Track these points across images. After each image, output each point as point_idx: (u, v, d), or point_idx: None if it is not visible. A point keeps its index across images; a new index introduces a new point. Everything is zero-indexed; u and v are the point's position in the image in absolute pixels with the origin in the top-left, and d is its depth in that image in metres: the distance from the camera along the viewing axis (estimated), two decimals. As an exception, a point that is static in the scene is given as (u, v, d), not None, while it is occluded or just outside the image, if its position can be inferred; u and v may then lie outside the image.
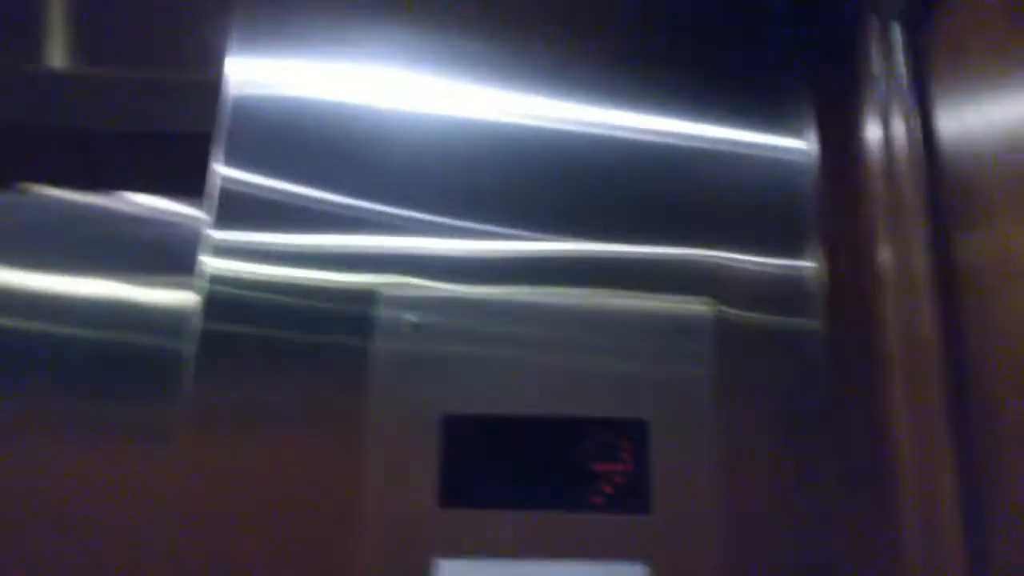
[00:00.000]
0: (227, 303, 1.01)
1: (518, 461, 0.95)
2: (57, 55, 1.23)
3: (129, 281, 1.22)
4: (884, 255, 0.93)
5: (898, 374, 0.88)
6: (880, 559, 0.89)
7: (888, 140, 0.94)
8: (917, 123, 0.90)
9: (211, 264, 1.02)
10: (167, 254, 1.23)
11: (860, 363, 0.95)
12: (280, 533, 0.93)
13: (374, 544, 0.92)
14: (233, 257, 1.02)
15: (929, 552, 0.80)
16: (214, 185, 1.05)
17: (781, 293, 1.02)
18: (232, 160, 1.06)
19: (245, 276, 1.02)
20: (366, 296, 1.01)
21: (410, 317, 1.00)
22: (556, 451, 0.96)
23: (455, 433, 0.96)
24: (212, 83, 1.10)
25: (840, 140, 1.04)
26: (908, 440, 0.85)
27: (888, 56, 0.96)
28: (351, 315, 1.00)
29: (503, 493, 0.94)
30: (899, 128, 0.93)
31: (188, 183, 1.19)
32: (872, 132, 0.98)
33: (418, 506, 0.94)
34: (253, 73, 1.10)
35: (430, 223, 1.05)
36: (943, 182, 0.86)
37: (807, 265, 1.02)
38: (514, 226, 1.05)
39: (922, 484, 0.82)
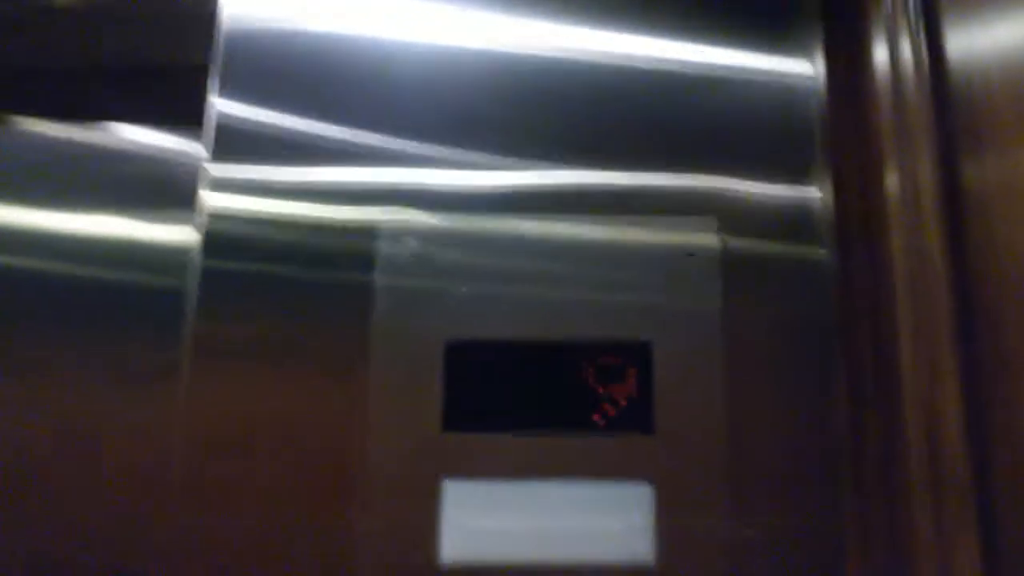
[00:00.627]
0: (227, 239, 1.00)
1: (522, 385, 0.96)
2: (50, -13, 1.21)
3: (129, 218, 1.21)
4: (891, 178, 0.92)
5: (904, 296, 0.87)
6: (886, 475, 0.90)
7: (895, 62, 0.93)
8: (924, 44, 0.89)
9: (209, 199, 1.02)
10: (166, 190, 1.22)
11: (867, 286, 0.95)
12: (287, 465, 0.94)
13: (381, 469, 0.94)
14: (232, 192, 1.02)
15: (934, 467, 0.81)
16: (211, 118, 1.04)
17: (788, 218, 1.01)
18: (229, 93, 1.05)
19: (245, 212, 1.01)
20: (367, 229, 1.01)
21: (412, 245, 1.00)
22: (559, 374, 0.97)
23: (459, 359, 0.97)
24: (207, 13, 1.07)
25: (847, 63, 1.02)
26: (913, 359, 0.85)
27: (895, -25, 0.94)
28: (352, 249, 1.00)
29: (507, 416, 0.95)
30: (906, 49, 0.91)
31: (186, 116, 1.17)
32: (879, 54, 0.96)
33: (424, 431, 0.95)
34: (249, 2, 1.08)
35: (432, 155, 1.03)
36: (951, 104, 0.85)
37: (814, 191, 1.01)
38: (516, 156, 1.04)
39: (927, 402, 0.83)
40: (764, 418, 0.96)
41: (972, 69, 0.81)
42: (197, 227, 1.01)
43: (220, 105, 1.04)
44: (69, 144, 1.25)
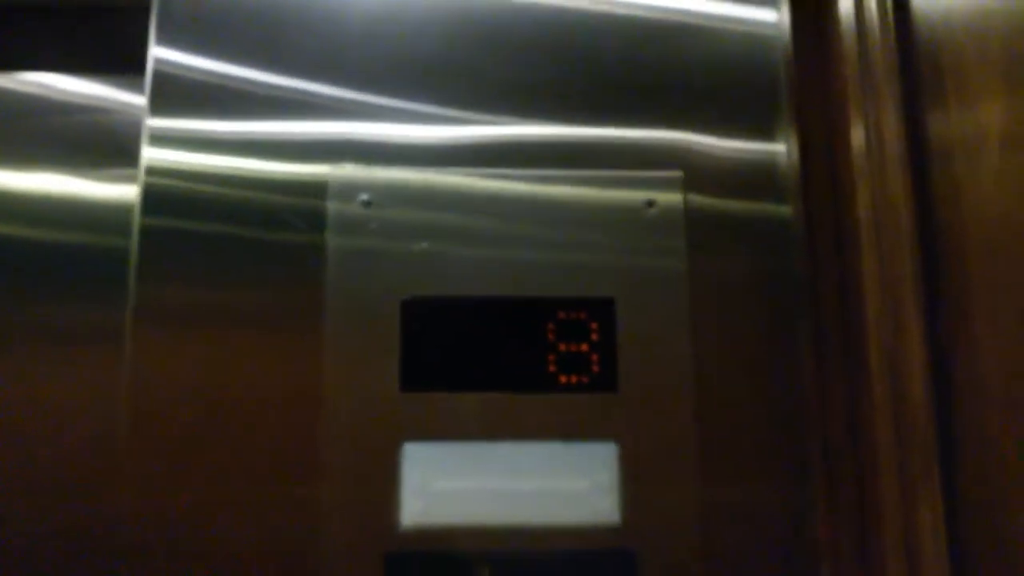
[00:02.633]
0: (168, 196, 0.96)
1: (482, 343, 0.95)
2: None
3: (69, 175, 1.15)
4: (856, 130, 0.91)
5: (869, 248, 0.87)
6: (851, 429, 0.90)
7: (860, 11, 0.92)
8: (890, -7, 0.88)
9: (149, 154, 0.97)
10: (108, 144, 1.16)
11: (832, 239, 0.95)
12: (239, 432, 0.91)
13: (340, 433, 0.92)
14: (172, 146, 0.97)
15: (898, 420, 0.82)
16: (150, 68, 0.98)
17: (752, 172, 1.00)
18: (167, 39, 1.00)
19: (186, 167, 0.97)
20: (318, 185, 0.97)
21: (363, 197, 0.97)
22: (520, 331, 0.95)
23: (416, 316, 0.95)
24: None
25: (813, 12, 1.00)
26: (879, 312, 0.85)
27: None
28: (302, 206, 0.97)
29: (467, 375, 0.94)
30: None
31: (125, 63, 1.11)
32: (844, 4, 0.95)
33: (382, 392, 0.93)
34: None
35: (385, 107, 1.00)
36: (916, 55, 0.84)
37: (779, 144, 1.01)
38: (474, 108, 1.01)
39: (892, 354, 0.83)
40: (729, 375, 0.95)
41: (937, 20, 0.81)
42: (139, 184, 0.96)
43: (158, 52, 0.99)
44: (3, 94, 1.18)
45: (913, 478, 0.79)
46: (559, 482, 0.92)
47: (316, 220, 0.96)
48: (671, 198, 0.99)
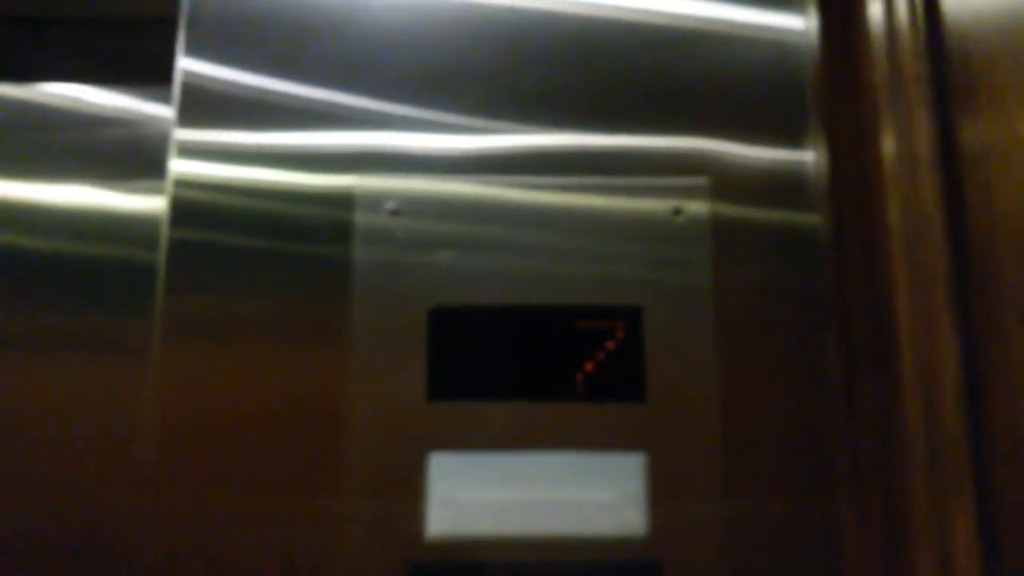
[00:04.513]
0: (196, 208, 0.97)
1: (508, 351, 0.94)
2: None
3: (98, 187, 1.16)
4: (887, 137, 0.90)
5: (901, 257, 0.86)
6: (883, 436, 0.89)
7: (890, 17, 0.91)
8: (920, -3, 0.87)
9: (177, 166, 0.97)
10: (136, 156, 1.17)
11: (861, 245, 0.94)
12: (267, 441, 0.91)
13: (365, 443, 0.92)
14: (200, 158, 0.98)
15: (931, 431, 0.80)
16: (178, 79, 0.99)
17: (780, 180, 0.99)
18: (195, 51, 1.00)
19: (214, 179, 0.97)
20: (344, 195, 0.97)
21: (390, 206, 0.97)
22: (547, 340, 0.94)
23: (443, 325, 0.94)
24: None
25: (841, 18, 0.99)
26: (911, 322, 0.84)
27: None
28: (329, 216, 0.97)
29: (494, 384, 0.93)
30: (901, 4, 0.89)
31: (153, 75, 1.12)
32: (874, 9, 0.94)
33: (408, 401, 0.93)
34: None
35: (411, 117, 1.00)
36: (947, 60, 0.83)
37: (807, 151, 1.00)
38: (501, 117, 1.00)
39: (925, 364, 0.82)
40: (757, 384, 0.94)
41: (968, 24, 0.80)
42: (167, 196, 0.97)
43: (186, 65, 1.00)
44: (32, 107, 1.19)
45: (946, 490, 0.77)
46: (586, 492, 0.91)
47: (343, 231, 0.96)
48: (698, 205, 0.98)
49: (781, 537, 0.91)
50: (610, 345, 0.94)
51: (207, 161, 0.98)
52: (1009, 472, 0.71)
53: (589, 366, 0.93)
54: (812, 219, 0.98)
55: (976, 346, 0.76)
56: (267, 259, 0.95)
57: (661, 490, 0.91)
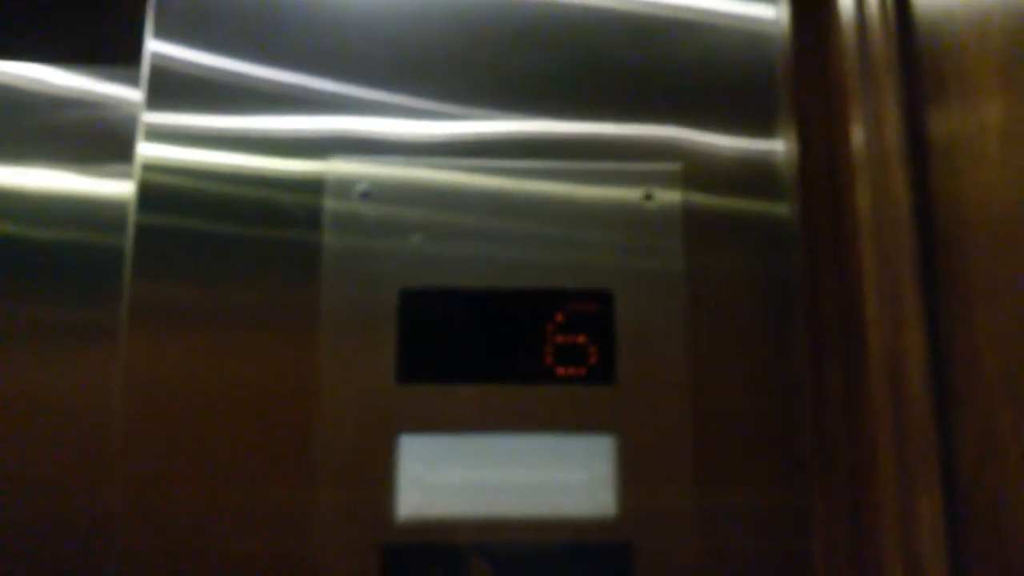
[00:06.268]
0: (164, 192, 0.95)
1: (479, 334, 0.94)
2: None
3: (64, 171, 1.14)
4: (856, 127, 0.91)
5: (869, 242, 0.87)
6: (851, 421, 0.90)
7: (861, 7, 0.91)
8: (892, -11, 0.88)
9: (145, 150, 0.96)
10: (103, 139, 1.15)
11: (831, 234, 0.95)
12: (236, 427, 0.91)
13: (336, 425, 0.92)
14: (168, 142, 0.97)
15: (898, 411, 0.82)
16: (146, 61, 0.98)
17: (751, 168, 1.00)
18: (164, 32, 0.99)
19: (182, 162, 0.96)
20: (314, 180, 0.97)
21: (360, 188, 0.97)
22: (518, 323, 0.95)
23: (413, 308, 0.94)
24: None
25: (812, 8, 1.00)
26: (879, 309, 0.85)
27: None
28: (299, 201, 0.96)
29: (464, 367, 0.94)
30: (873, -6, 0.90)
31: (120, 56, 1.10)
32: (845, 0, 0.95)
33: (378, 384, 0.93)
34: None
35: (381, 102, 0.99)
36: (917, 52, 0.84)
37: (778, 141, 1.00)
38: (472, 103, 1.00)
39: (892, 350, 0.83)
40: (727, 369, 0.95)
41: (938, 16, 0.80)
42: (135, 180, 0.95)
43: (154, 46, 0.98)
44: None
45: (913, 478, 0.79)
46: (556, 474, 0.92)
47: (312, 215, 0.96)
48: (669, 191, 0.98)
49: (750, 519, 0.92)
50: (581, 329, 0.94)
51: (176, 145, 0.96)
52: (976, 462, 0.72)
53: (560, 349, 0.94)
54: (782, 208, 0.99)
55: (943, 333, 0.78)
56: (236, 244, 0.95)
57: (631, 472, 0.92)
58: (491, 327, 0.94)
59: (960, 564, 0.74)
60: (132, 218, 0.94)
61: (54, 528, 1.04)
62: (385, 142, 0.99)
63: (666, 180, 0.99)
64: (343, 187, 0.96)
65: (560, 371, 0.93)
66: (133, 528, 0.88)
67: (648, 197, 0.98)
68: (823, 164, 0.96)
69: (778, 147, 1.00)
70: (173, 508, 0.89)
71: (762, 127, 1.01)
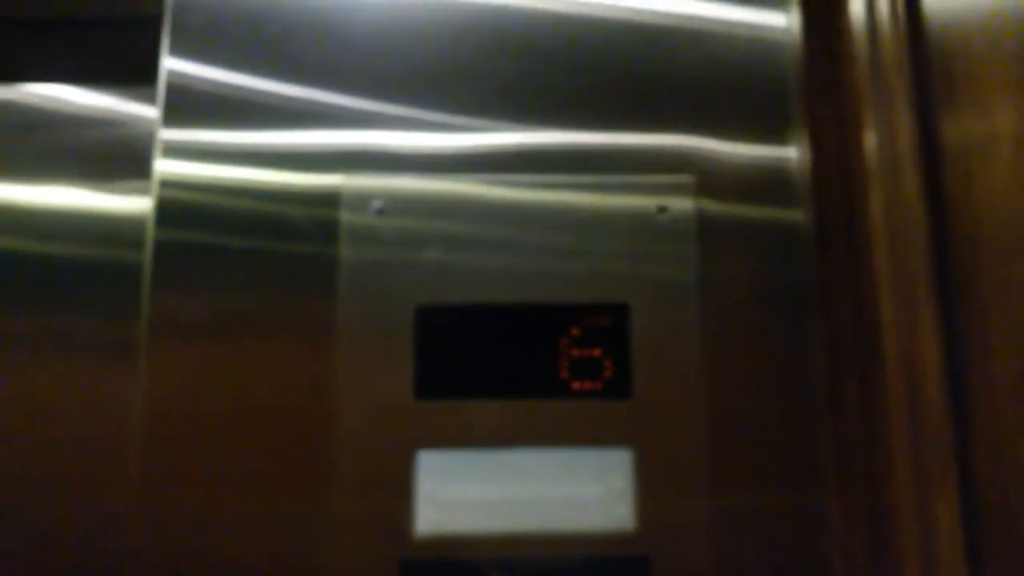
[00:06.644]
0: (181, 208, 0.96)
1: (495, 349, 0.94)
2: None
3: (83, 188, 1.16)
4: (869, 133, 0.91)
5: (883, 252, 0.87)
6: (867, 430, 0.90)
7: (872, 14, 0.91)
8: (902, -4, 0.88)
9: (162, 166, 0.97)
10: (121, 156, 1.17)
11: (845, 241, 0.94)
12: (254, 441, 0.91)
13: (354, 441, 0.92)
14: (185, 158, 0.98)
15: (914, 424, 0.81)
16: (162, 78, 0.99)
17: (764, 177, 1.00)
18: (180, 51, 1.00)
19: (199, 178, 0.97)
20: (330, 195, 0.97)
21: (376, 205, 0.97)
22: (533, 338, 0.95)
23: (430, 324, 0.95)
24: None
25: (823, 16, 1.00)
26: (894, 316, 0.85)
27: (872, -77, 0.93)
28: (315, 216, 0.97)
29: (481, 382, 0.94)
30: (883, 1, 0.90)
31: (138, 75, 1.12)
32: (855, 7, 0.94)
33: (396, 399, 0.93)
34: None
35: (395, 115, 1.00)
36: (928, 58, 0.84)
37: (790, 148, 1.00)
38: (486, 116, 1.01)
39: (907, 357, 0.83)
40: (743, 380, 0.95)
41: (949, 21, 0.80)
42: (153, 196, 0.97)
43: (171, 64, 0.99)
44: (9, 108, 1.18)
45: (929, 481, 0.78)
46: (573, 489, 0.91)
47: (329, 230, 0.96)
48: (683, 202, 0.99)
49: (768, 530, 0.91)
50: (596, 342, 0.94)
51: (192, 161, 0.97)
52: (992, 464, 0.72)
53: (576, 363, 0.94)
54: (796, 215, 0.99)
55: (958, 336, 0.77)
56: (253, 259, 0.95)
57: (648, 486, 0.92)
58: (507, 342, 0.94)
59: (977, 566, 0.73)
60: (150, 233, 0.96)
61: (73, 538, 1.05)
62: (400, 156, 0.99)
63: (679, 191, 0.99)
64: (359, 202, 0.97)
65: (576, 385, 0.93)
66: (150, 539, 0.88)
67: (662, 209, 0.98)
68: (836, 170, 0.96)
69: (791, 154, 1.00)
70: (190, 520, 0.89)
71: (774, 135, 1.01)
